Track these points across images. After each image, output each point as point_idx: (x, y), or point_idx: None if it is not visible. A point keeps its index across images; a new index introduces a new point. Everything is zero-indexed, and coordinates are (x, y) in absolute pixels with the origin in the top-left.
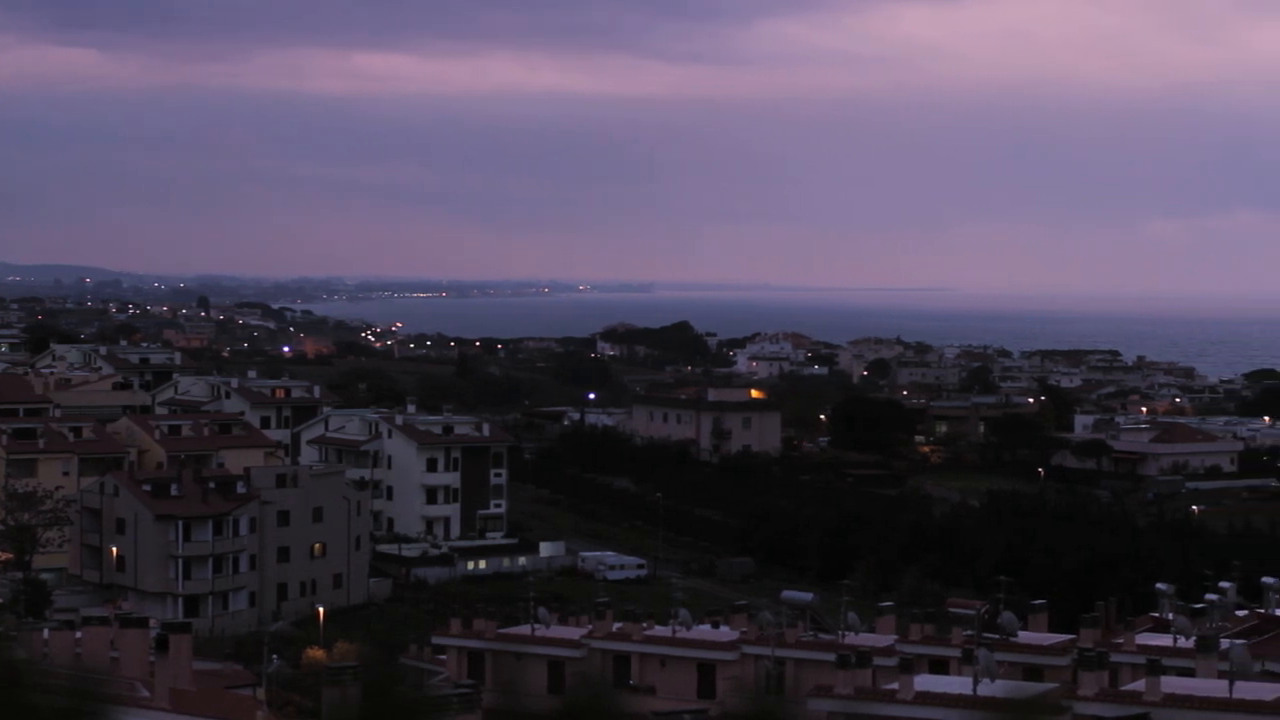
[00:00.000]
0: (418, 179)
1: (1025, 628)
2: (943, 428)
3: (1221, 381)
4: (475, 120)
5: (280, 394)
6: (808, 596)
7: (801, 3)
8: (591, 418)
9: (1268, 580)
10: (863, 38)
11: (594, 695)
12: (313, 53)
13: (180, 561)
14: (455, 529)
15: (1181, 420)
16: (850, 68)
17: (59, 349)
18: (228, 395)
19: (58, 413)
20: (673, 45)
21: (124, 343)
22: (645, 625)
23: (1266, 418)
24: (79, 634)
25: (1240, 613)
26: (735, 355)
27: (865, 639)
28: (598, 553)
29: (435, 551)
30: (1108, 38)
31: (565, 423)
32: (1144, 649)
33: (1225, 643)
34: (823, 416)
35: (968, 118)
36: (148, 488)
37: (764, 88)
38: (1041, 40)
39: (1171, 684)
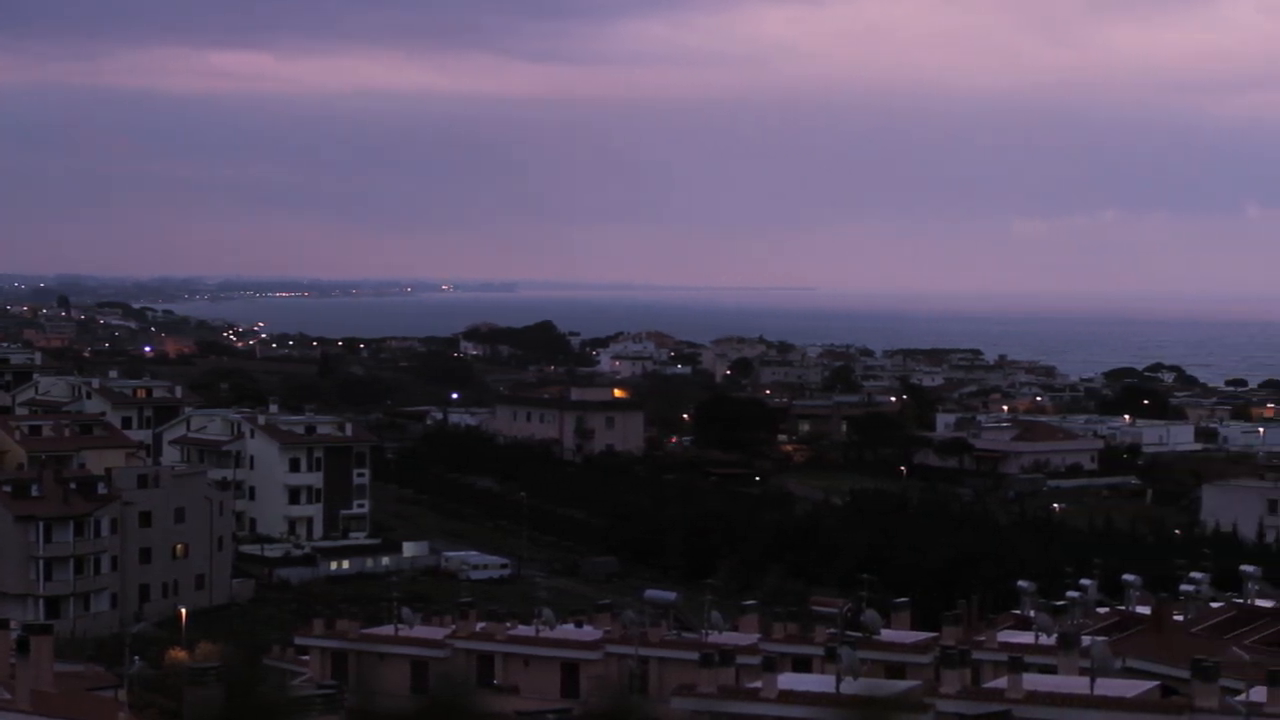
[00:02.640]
0: (279, 178)
1: (888, 626)
2: (805, 427)
3: (1082, 380)
4: (336, 119)
5: (142, 394)
6: (671, 596)
7: (662, 2)
8: (455, 417)
9: (1128, 577)
10: (724, 37)
11: (452, 694)
12: (172, 51)
13: (41, 563)
14: (318, 529)
15: (1042, 419)
16: (712, 67)
17: None
18: (89, 395)
19: None
20: (534, 44)
21: None
22: (509, 625)
23: (1126, 416)
24: None
25: (1101, 610)
26: (598, 355)
27: (728, 638)
28: (461, 552)
29: (298, 552)
30: (966, 37)
31: (428, 422)
32: (1006, 646)
33: (1086, 640)
34: (686, 416)
35: (829, 117)
36: (8, 488)
37: (626, 87)
38: (901, 40)
39: (1033, 681)
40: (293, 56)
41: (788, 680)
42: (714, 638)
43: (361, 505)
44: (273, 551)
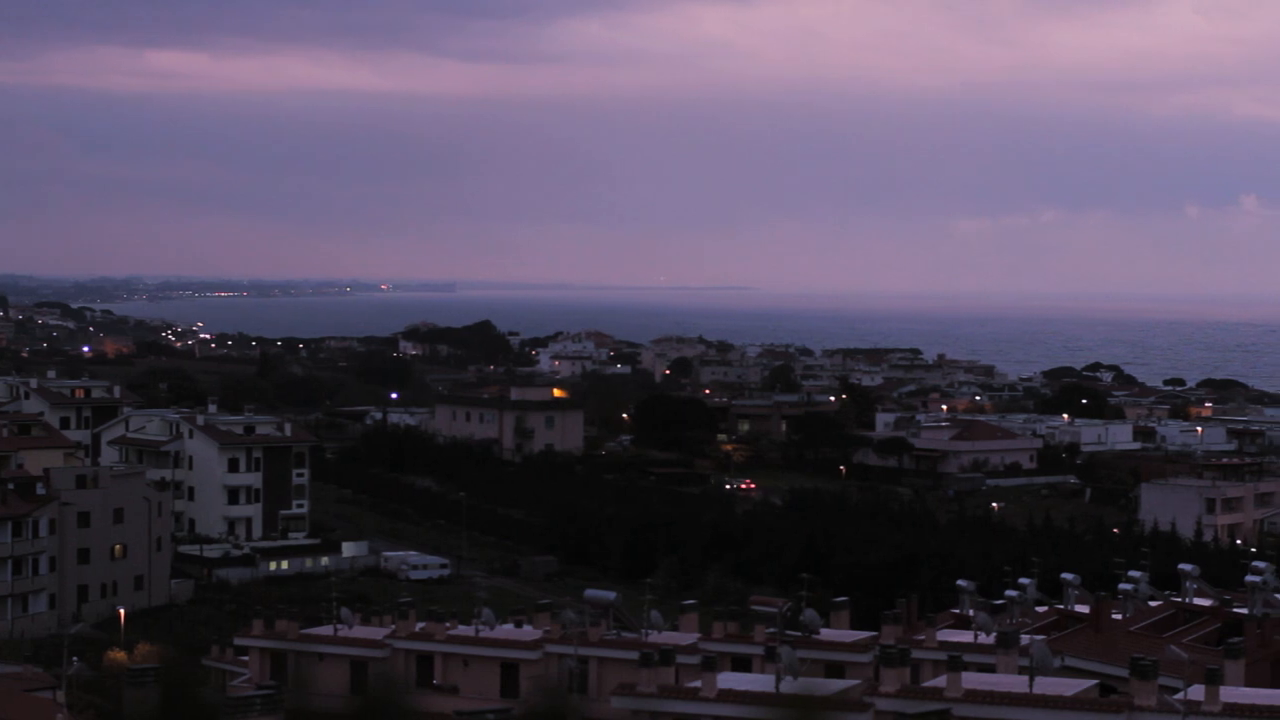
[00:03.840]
0: (217, 178)
1: (827, 625)
2: (745, 426)
3: (1021, 379)
4: (273, 119)
5: (80, 394)
6: (611, 595)
7: (597, 2)
8: (394, 417)
9: (1067, 576)
10: (660, 36)
11: (389, 694)
12: (108, 50)
13: None
14: (257, 529)
15: (981, 418)
16: (648, 66)
17: None
18: (26, 396)
19: None
20: (468, 44)
21: None
22: (448, 625)
23: (1065, 415)
24: None
25: (1040, 609)
26: (538, 354)
27: (668, 637)
28: (401, 552)
29: (237, 552)
30: (900, 37)
31: (368, 422)
32: (945, 645)
33: (1025, 638)
34: (625, 415)
35: (768, 117)
36: None
37: (563, 86)
38: (836, 40)
39: (972, 680)
40: (229, 56)
41: (727, 679)
42: (654, 637)
43: (301, 505)
44: (212, 552)
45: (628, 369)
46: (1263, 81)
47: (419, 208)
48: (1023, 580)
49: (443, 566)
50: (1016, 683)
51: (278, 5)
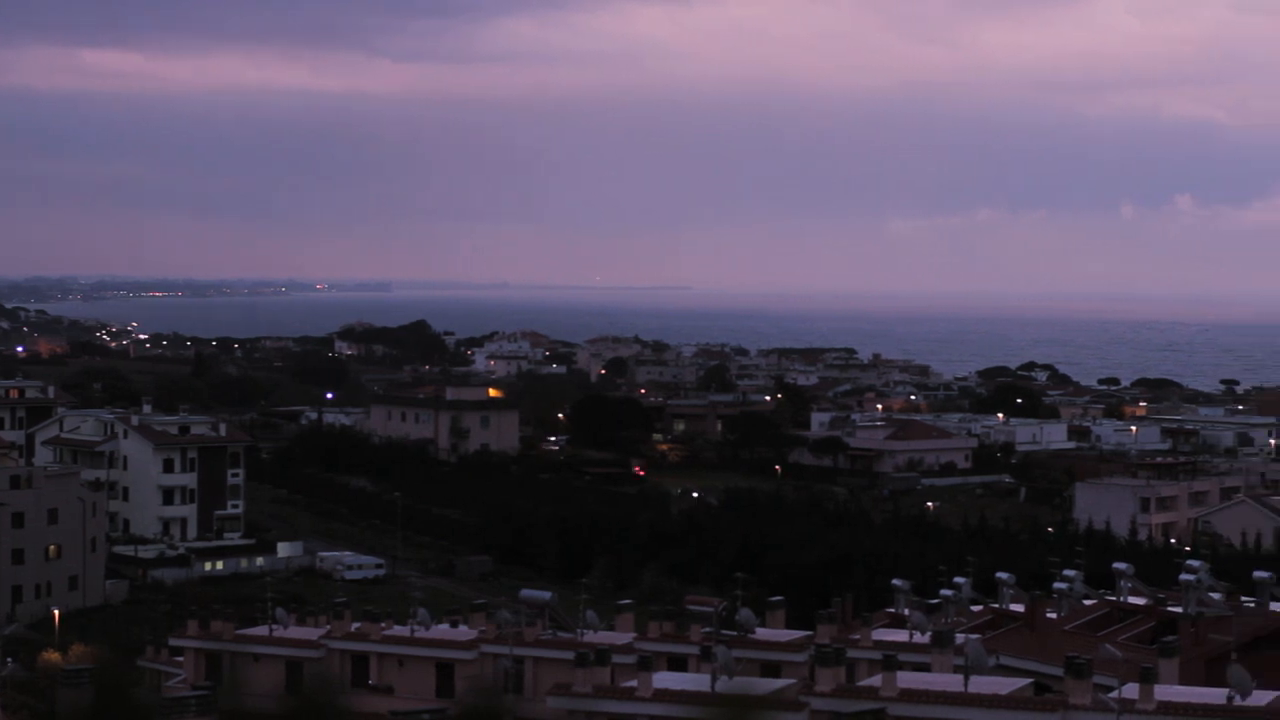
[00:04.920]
0: (152, 177)
1: (763, 624)
2: (681, 426)
3: (956, 379)
4: (206, 118)
5: (14, 394)
6: (546, 595)
7: (534, 1)
8: (329, 417)
9: (1002, 575)
10: (596, 36)
11: (321, 694)
12: (43, 50)
13: None
14: (192, 530)
15: (917, 417)
16: (585, 66)
17: None
18: None
19: None
20: (405, 43)
21: None
22: (384, 625)
23: (1000, 415)
24: None
25: (975, 608)
26: (473, 354)
27: (604, 637)
28: (336, 553)
29: (172, 553)
30: (837, 37)
31: (303, 422)
32: (880, 644)
33: (960, 637)
34: (561, 415)
35: (702, 117)
36: None
37: (500, 86)
38: (771, 39)
39: (907, 679)
40: (164, 55)
41: (663, 679)
42: (589, 637)
43: (236, 505)
44: (147, 552)
45: (563, 369)
46: (1197, 82)
47: (355, 207)
48: (958, 579)
49: (378, 566)
50: (952, 682)
51: (213, 4)
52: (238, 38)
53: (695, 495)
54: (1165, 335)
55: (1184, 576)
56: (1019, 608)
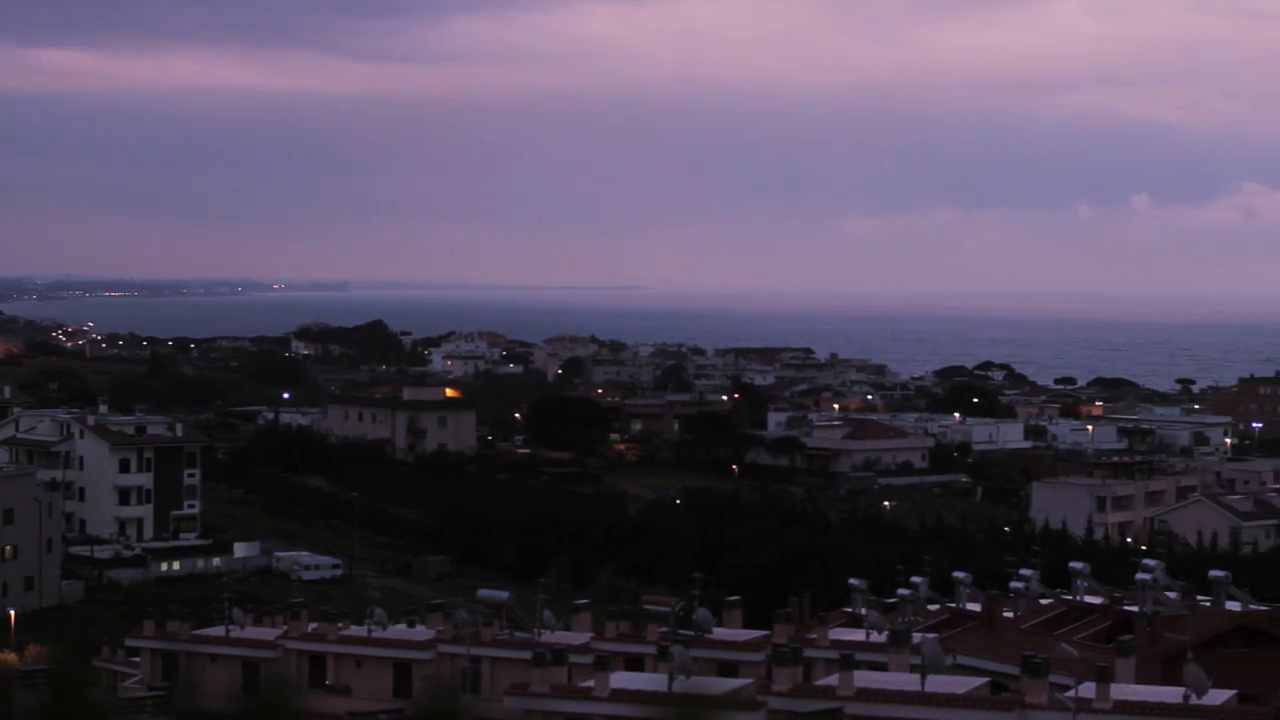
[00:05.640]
0: (107, 177)
1: (720, 624)
2: (638, 426)
3: (912, 378)
4: (163, 118)
5: None
6: (504, 595)
7: (490, 1)
8: (286, 417)
9: (958, 574)
10: (551, 35)
11: (278, 694)
12: None
13: None
14: (149, 530)
15: (873, 417)
16: (540, 66)
17: None
18: None
19: None
20: (360, 43)
21: None
22: (341, 625)
23: (957, 414)
24: None
25: (932, 607)
26: (430, 354)
27: (561, 637)
28: (293, 553)
29: (128, 553)
30: (791, 37)
31: (259, 422)
32: (837, 644)
33: (917, 637)
34: (518, 415)
35: (659, 116)
36: None
37: (455, 86)
38: (725, 40)
39: (864, 678)
40: (118, 55)
41: (620, 679)
42: (546, 637)
43: (192, 506)
44: (103, 553)
45: (520, 369)
46: (1152, 82)
47: (312, 207)
48: (915, 579)
49: (335, 567)
50: (908, 681)
51: (167, 4)
52: (193, 38)
53: (653, 495)
54: (1122, 335)
55: (1140, 576)
56: (976, 607)
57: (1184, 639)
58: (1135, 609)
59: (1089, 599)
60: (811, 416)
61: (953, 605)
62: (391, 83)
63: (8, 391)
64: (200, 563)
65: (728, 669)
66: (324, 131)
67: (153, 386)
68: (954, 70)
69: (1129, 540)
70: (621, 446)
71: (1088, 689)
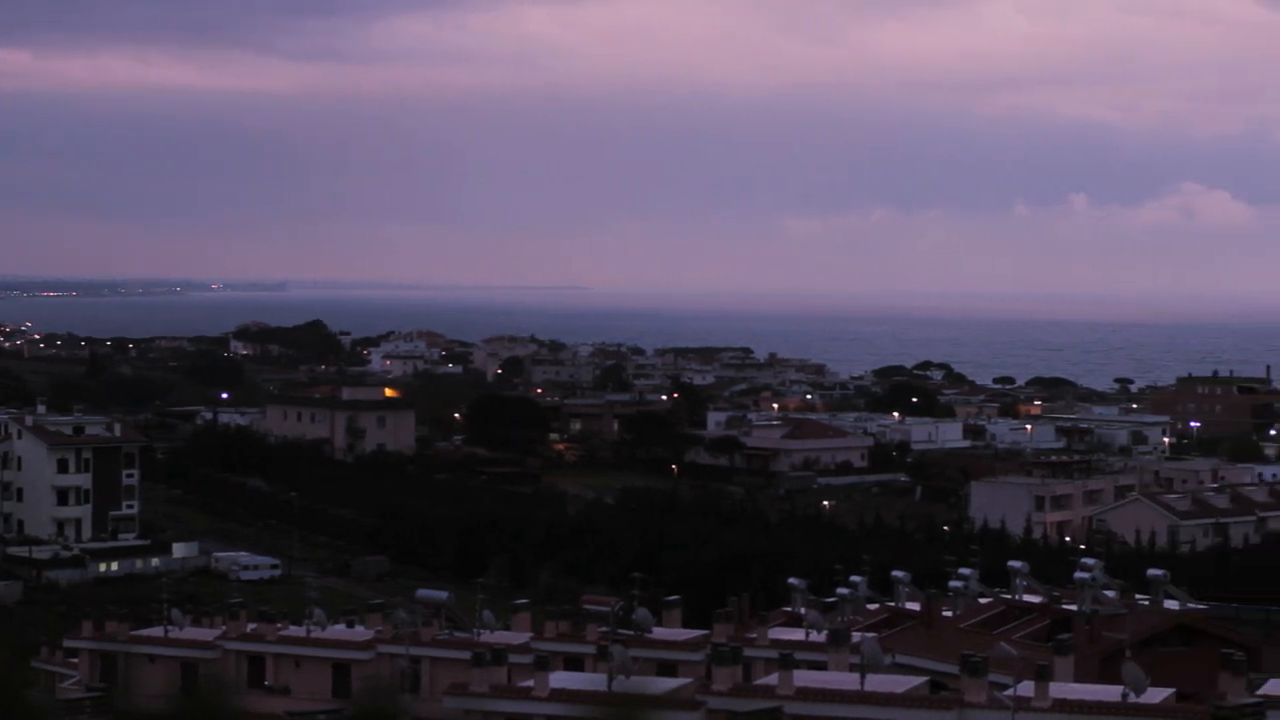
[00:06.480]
0: (43, 177)
1: (659, 624)
2: (577, 425)
3: (852, 378)
4: (99, 117)
5: None
6: (443, 595)
7: (428, 1)
8: (225, 417)
9: (897, 574)
10: (490, 35)
11: (216, 695)
12: None
13: None
14: (87, 530)
15: (812, 417)
16: (480, 66)
17: None
18: None
19: None
20: (298, 43)
21: None
22: (280, 625)
23: (896, 414)
24: None
25: (871, 606)
26: (369, 354)
27: (500, 636)
28: (231, 553)
29: (67, 553)
30: (727, 37)
31: (198, 422)
32: (776, 643)
33: (856, 636)
34: (457, 415)
35: (599, 116)
36: None
37: (394, 85)
38: (664, 39)
39: (804, 678)
40: (52, 54)
41: (560, 679)
42: (486, 637)
43: (131, 506)
44: (41, 553)
45: (459, 369)
46: (1089, 82)
47: (251, 207)
48: (854, 578)
49: (274, 567)
50: (848, 680)
51: (103, 2)
52: (127, 36)
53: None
54: (1060, 334)
55: (1079, 575)
56: (915, 606)
57: (1122, 638)
58: (1074, 608)
59: (1028, 598)
60: (750, 416)
61: (892, 604)
62: (330, 82)
63: None
64: (139, 563)
65: (667, 669)
66: (262, 131)
67: (91, 386)
68: (891, 70)
69: (1068, 539)
70: (561, 446)
71: (1026, 688)
